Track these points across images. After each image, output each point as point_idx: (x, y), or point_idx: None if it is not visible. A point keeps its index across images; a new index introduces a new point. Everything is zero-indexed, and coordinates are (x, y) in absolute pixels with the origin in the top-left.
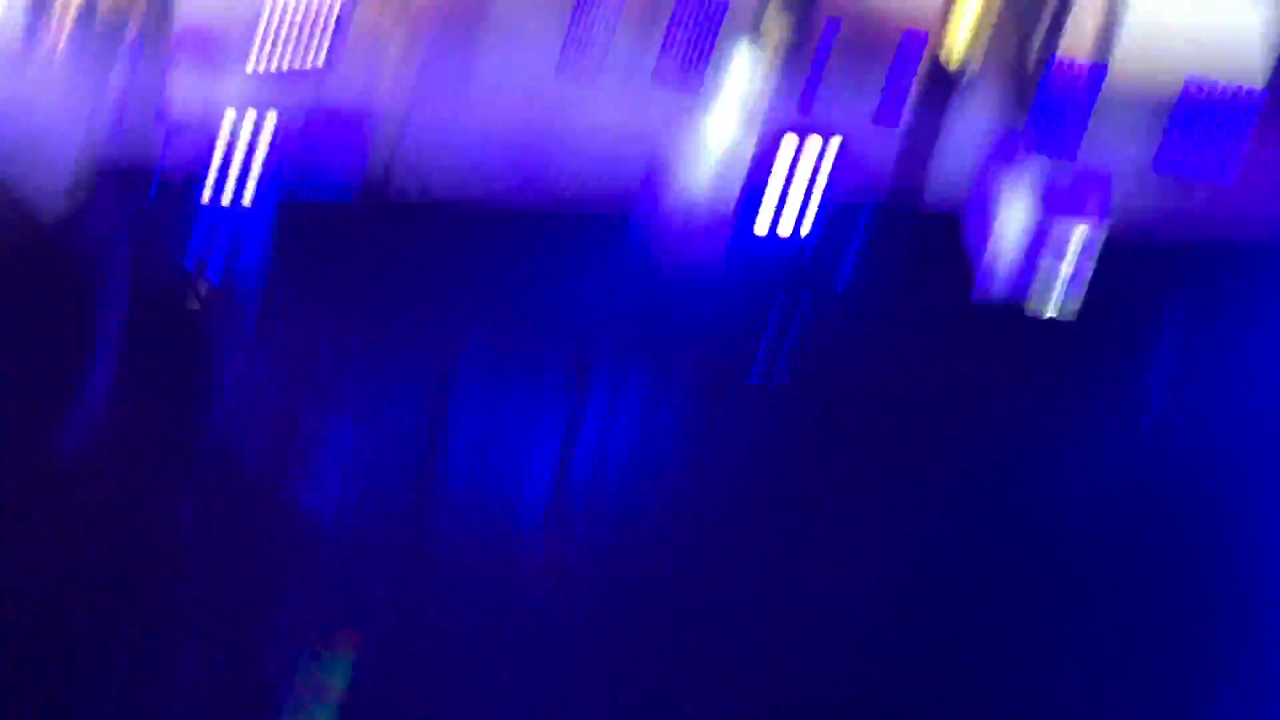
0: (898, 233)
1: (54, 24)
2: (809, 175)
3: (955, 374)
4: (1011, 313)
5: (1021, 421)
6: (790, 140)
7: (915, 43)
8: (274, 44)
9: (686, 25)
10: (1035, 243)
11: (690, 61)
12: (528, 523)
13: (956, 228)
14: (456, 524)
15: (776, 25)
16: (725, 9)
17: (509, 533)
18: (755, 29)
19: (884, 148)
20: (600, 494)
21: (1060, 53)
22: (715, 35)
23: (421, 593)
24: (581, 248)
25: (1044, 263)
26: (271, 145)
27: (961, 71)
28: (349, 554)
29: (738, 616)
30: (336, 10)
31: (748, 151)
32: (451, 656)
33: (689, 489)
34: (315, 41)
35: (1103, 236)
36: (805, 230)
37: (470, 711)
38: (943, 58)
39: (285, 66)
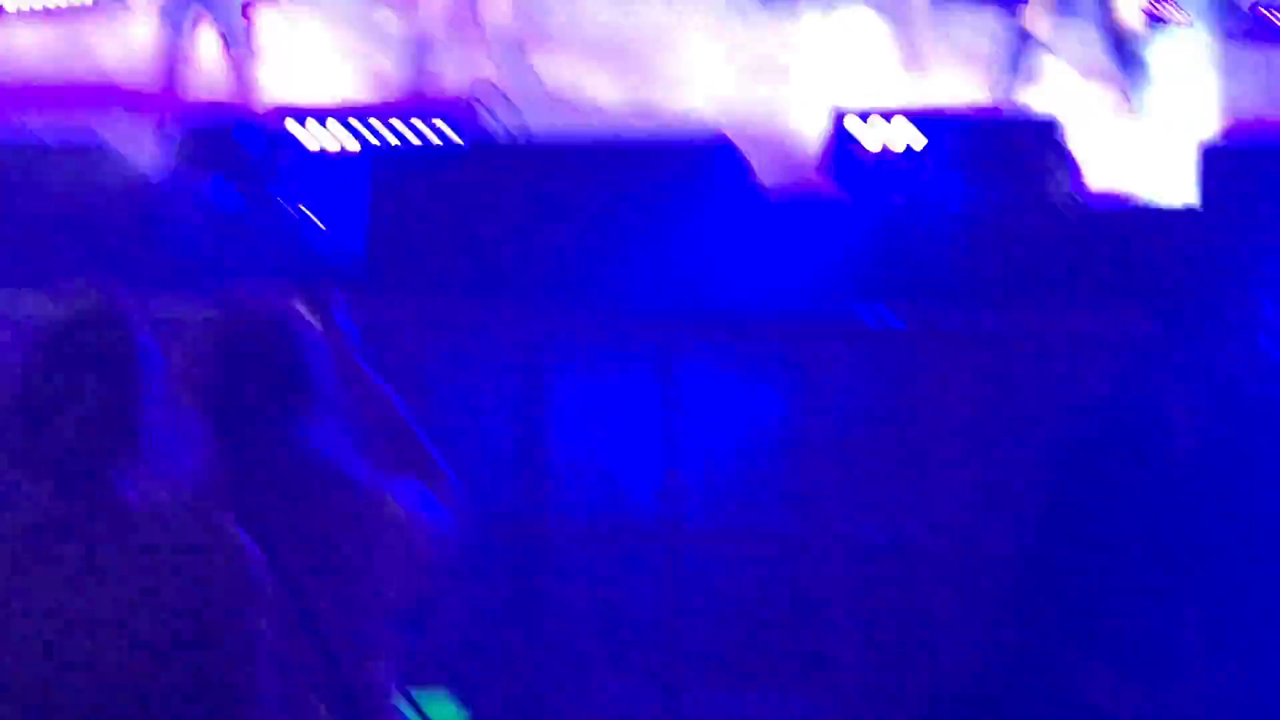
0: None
1: None
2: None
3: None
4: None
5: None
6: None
7: None
8: None
9: None
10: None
11: None
12: (641, 495)
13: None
14: (568, 500)
15: None
16: None
17: (623, 512)
18: None
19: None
20: (713, 459)
21: None
22: None
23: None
24: (682, 180)
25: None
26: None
27: None
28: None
29: (870, 581)
30: None
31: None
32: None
33: (804, 441)
34: None
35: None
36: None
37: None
38: None
39: None
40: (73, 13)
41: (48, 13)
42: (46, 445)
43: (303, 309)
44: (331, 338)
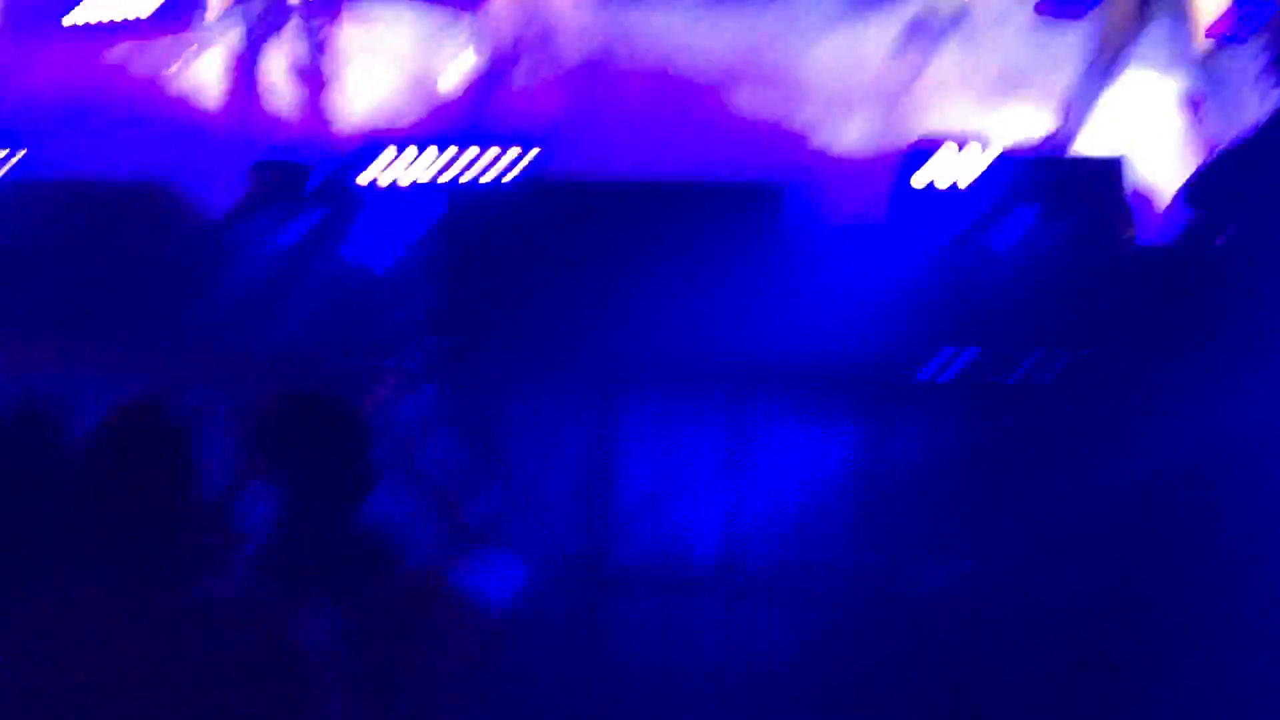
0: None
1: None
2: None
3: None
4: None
5: (1208, 371)
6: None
7: None
8: None
9: None
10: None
11: None
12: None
13: (1117, 173)
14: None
15: None
16: None
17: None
18: None
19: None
20: (777, 506)
21: None
22: None
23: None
24: (740, 219)
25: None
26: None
27: None
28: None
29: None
30: None
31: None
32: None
33: (867, 491)
34: None
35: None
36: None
37: None
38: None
39: None
40: (139, 30)
41: (110, 28)
42: (125, 540)
43: (381, 373)
44: (406, 408)
